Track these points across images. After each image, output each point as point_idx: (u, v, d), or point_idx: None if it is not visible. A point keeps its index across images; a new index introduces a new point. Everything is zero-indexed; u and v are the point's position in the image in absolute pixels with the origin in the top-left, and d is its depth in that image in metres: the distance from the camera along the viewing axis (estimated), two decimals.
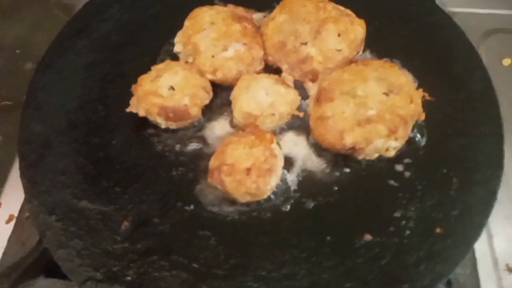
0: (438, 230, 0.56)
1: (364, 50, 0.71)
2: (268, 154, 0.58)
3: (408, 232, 0.56)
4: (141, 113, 0.64)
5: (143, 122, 0.65)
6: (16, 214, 0.66)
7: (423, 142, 0.63)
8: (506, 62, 0.82)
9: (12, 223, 0.66)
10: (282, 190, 0.61)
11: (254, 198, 0.59)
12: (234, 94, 0.65)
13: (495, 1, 0.88)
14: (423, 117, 0.62)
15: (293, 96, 0.65)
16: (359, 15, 0.71)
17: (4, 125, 0.79)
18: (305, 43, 0.68)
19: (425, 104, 0.65)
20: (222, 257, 0.55)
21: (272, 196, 0.60)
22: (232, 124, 0.66)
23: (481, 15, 0.88)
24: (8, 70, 0.89)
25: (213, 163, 0.60)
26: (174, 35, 0.71)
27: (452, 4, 0.88)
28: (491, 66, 0.82)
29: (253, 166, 0.57)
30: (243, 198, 0.59)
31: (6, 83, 0.87)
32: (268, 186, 0.58)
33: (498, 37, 0.85)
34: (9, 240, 0.64)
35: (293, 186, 0.61)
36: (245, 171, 0.57)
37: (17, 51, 0.95)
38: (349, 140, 0.59)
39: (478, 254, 0.64)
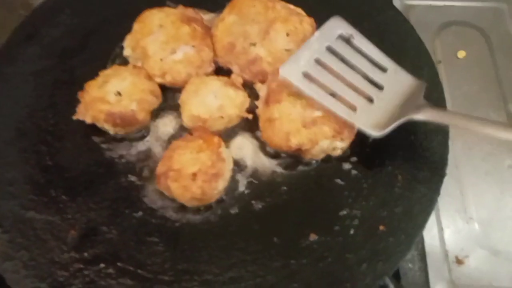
0: (381, 227, 0.57)
1: None
2: (215, 159, 0.59)
3: (352, 230, 0.57)
4: (89, 120, 0.63)
5: (93, 129, 0.65)
6: None
7: (370, 140, 0.64)
8: (460, 54, 0.83)
9: None
10: (232, 192, 0.61)
11: (201, 203, 0.59)
12: (183, 98, 0.65)
13: None
14: None
15: (242, 98, 0.65)
16: (310, 14, 0.71)
17: None
18: (254, 44, 0.67)
19: None
20: (169, 263, 0.56)
21: (223, 197, 0.61)
22: (181, 128, 0.66)
23: (438, 8, 0.88)
24: None
25: (160, 168, 0.60)
26: (124, 39, 0.71)
27: None
28: (447, 58, 0.83)
29: (199, 171, 0.57)
30: (191, 203, 0.59)
31: None
32: (215, 190, 0.59)
33: (453, 29, 0.86)
34: None
35: (242, 188, 0.62)
36: (191, 177, 0.57)
37: None
38: (294, 142, 0.60)
39: (428, 248, 0.66)
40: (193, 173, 0.57)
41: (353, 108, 0.58)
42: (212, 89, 0.64)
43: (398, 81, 0.60)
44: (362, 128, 0.58)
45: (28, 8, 1.00)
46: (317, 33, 0.62)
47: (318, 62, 0.60)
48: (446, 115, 0.58)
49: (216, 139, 0.61)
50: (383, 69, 0.60)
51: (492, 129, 0.53)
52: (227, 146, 0.63)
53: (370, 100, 0.59)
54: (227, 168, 0.60)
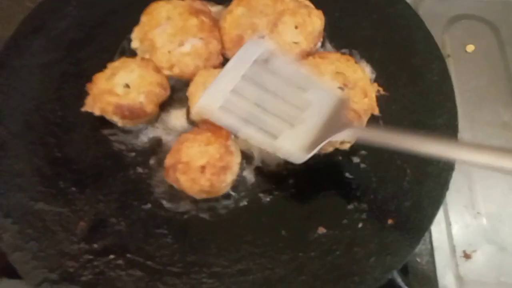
0: (390, 221, 0.57)
1: (323, 42, 0.71)
2: (223, 151, 0.59)
3: (360, 224, 0.57)
4: (97, 112, 0.63)
5: (101, 121, 0.64)
6: None
7: None
8: (469, 48, 0.82)
9: None
10: (240, 185, 0.61)
11: (210, 195, 0.59)
12: (191, 90, 0.64)
13: None
14: (376, 111, 0.62)
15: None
16: (318, 6, 0.70)
17: None
18: (263, 37, 0.67)
19: (382, 96, 0.65)
20: (178, 255, 0.56)
21: (230, 192, 0.61)
22: (189, 120, 0.65)
23: (447, 1, 0.87)
24: None
25: (168, 161, 0.60)
26: (132, 31, 0.71)
27: None
28: (456, 52, 0.82)
29: (207, 164, 0.57)
30: (199, 196, 0.59)
31: None
32: (224, 183, 0.59)
33: (462, 23, 0.84)
34: None
35: (251, 181, 0.62)
36: (200, 169, 0.57)
37: None
38: None
39: (435, 242, 0.66)
40: (202, 165, 0.57)
41: (275, 135, 0.54)
42: None
43: (320, 99, 0.55)
44: (286, 155, 0.54)
45: (34, 0, 1.00)
46: (232, 61, 0.58)
47: (235, 91, 0.56)
48: (371, 134, 0.53)
49: (224, 131, 0.60)
50: (304, 89, 0.56)
51: (432, 146, 0.48)
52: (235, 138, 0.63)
53: (293, 124, 0.54)
54: (236, 161, 0.60)
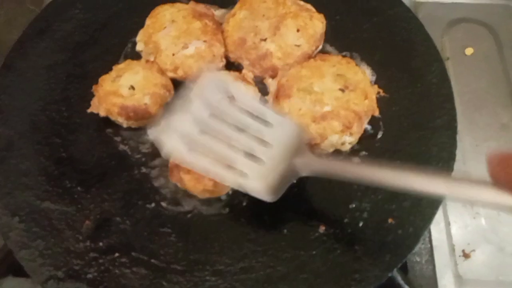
0: (390, 220, 0.58)
1: (325, 44, 0.72)
2: None
3: (361, 223, 0.58)
4: (102, 113, 0.64)
5: (106, 122, 0.66)
6: None
7: (379, 135, 0.64)
8: (468, 51, 0.83)
9: None
10: None
11: (213, 195, 0.60)
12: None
13: None
14: (377, 112, 0.63)
15: (252, 93, 0.66)
16: (319, 9, 0.72)
17: None
18: (265, 39, 0.68)
19: (383, 98, 0.66)
20: (182, 253, 0.57)
21: (234, 190, 0.62)
22: None
23: (446, 5, 0.88)
24: None
25: (173, 161, 0.61)
26: (136, 33, 0.72)
27: None
28: (455, 55, 0.84)
29: None
30: (202, 195, 0.60)
31: None
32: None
33: (461, 26, 0.86)
34: None
35: None
36: None
37: None
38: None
39: (435, 242, 0.66)
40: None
41: (246, 174, 0.52)
42: None
43: (285, 134, 0.53)
44: (256, 194, 0.52)
45: (37, 3, 1.01)
46: (192, 99, 0.56)
47: (202, 132, 0.54)
48: (334, 167, 0.52)
49: None
50: (269, 124, 0.54)
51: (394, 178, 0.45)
52: None
53: (261, 161, 0.53)
54: None
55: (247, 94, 0.59)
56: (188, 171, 0.58)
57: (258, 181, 0.52)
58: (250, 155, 0.53)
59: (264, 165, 0.52)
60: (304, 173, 0.52)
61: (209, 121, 0.55)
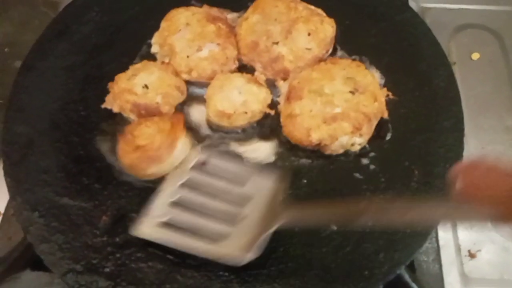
0: None
1: (334, 48, 0.74)
2: (164, 146, 0.60)
3: (370, 222, 0.60)
4: (116, 109, 0.67)
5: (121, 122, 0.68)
6: (2, 211, 0.70)
7: (388, 136, 0.66)
8: (475, 56, 0.85)
9: None
10: None
11: (132, 173, 0.63)
12: (208, 93, 0.68)
13: None
14: (386, 115, 0.65)
15: (264, 94, 0.68)
16: (330, 14, 0.74)
17: None
18: (277, 43, 0.70)
19: (391, 101, 0.68)
20: None
21: None
22: (208, 122, 0.68)
23: (453, 10, 0.90)
24: None
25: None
26: (152, 36, 0.74)
27: (425, 0, 0.91)
28: (461, 60, 0.86)
29: (143, 147, 0.60)
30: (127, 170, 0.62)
31: None
32: (143, 171, 0.61)
33: (468, 32, 0.88)
34: None
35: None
36: (135, 147, 0.60)
37: (6, 50, 0.97)
38: (315, 137, 0.62)
39: (441, 242, 0.68)
40: (138, 145, 0.60)
41: (217, 239, 0.54)
42: (237, 85, 0.67)
43: (259, 191, 0.55)
44: (230, 257, 0.53)
45: (50, 5, 1.04)
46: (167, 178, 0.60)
47: (173, 205, 0.57)
48: (307, 215, 0.52)
49: (179, 132, 0.62)
50: (242, 183, 0.57)
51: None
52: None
53: (234, 223, 0.55)
54: (170, 162, 0.62)
55: (222, 157, 0.61)
56: (126, 142, 0.61)
57: (233, 243, 0.53)
58: (223, 219, 0.55)
59: (237, 226, 0.54)
60: (282, 221, 0.52)
61: (183, 192, 0.57)
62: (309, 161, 0.65)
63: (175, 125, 0.63)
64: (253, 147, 0.66)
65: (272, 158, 0.65)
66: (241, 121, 0.67)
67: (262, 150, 0.66)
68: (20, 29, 1.00)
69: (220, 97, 0.66)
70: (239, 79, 0.68)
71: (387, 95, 0.67)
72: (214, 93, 0.67)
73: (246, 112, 0.66)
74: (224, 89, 0.67)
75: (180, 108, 0.69)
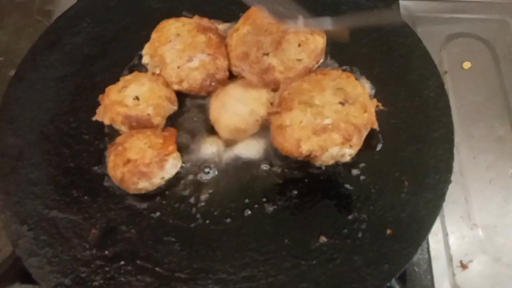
0: (388, 231, 0.60)
1: (325, 59, 0.74)
2: (155, 161, 0.61)
3: (360, 234, 0.60)
4: (107, 122, 0.67)
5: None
6: None
7: (378, 147, 0.66)
8: (466, 65, 0.85)
9: None
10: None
11: (120, 186, 0.62)
12: (213, 116, 0.68)
13: (457, 6, 0.91)
14: (376, 125, 0.65)
15: (265, 94, 0.68)
16: None
17: None
18: (267, 54, 0.70)
19: (382, 112, 0.68)
20: (185, 262, 0.59)
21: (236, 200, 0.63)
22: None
23: (444, 20, 0.91)
24: None
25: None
26: (143, 47, 0.74)
27: (417, 9, 0.91)
28: (453, 69, 0.86)
29: (134, 161, 0.60)
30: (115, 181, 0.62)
31: None
32: (134, 185, 0.61)
33: (459, 41, 0.88)
34: None
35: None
36: (125, 160, 0.60)
37: (0, 58, 0.97)
38: (305, 148, 0.62)
39: (433, 253, 0.68)
40: (129, 159, 0.60)
41: None
42: (236, 97, 0.67)
43: None
44: None
45: (44, 14, 1.04)
46: None
47: None
48: None
49: (171, 148, 0.63)
50: None
51: None
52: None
53: None
54: (160, 176, 0.62)
55: None
56: (116, 154, 0.61)
57: None
58: None
59: None
60: None
61: None
62: (300, 172, 0.65)
63: (167, 141, 0.63)
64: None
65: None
66: (254, 129, 0.67)
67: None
68: (14, 37, 1.00)
69: (227, 116, 0.66)
70: (236, 90, 0.68)
71: (377, 106, 0.67)
72: (220, 113, 0.67)
73: (257, 120, 0.66)
74: (227, 105, 0.67)
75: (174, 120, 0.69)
